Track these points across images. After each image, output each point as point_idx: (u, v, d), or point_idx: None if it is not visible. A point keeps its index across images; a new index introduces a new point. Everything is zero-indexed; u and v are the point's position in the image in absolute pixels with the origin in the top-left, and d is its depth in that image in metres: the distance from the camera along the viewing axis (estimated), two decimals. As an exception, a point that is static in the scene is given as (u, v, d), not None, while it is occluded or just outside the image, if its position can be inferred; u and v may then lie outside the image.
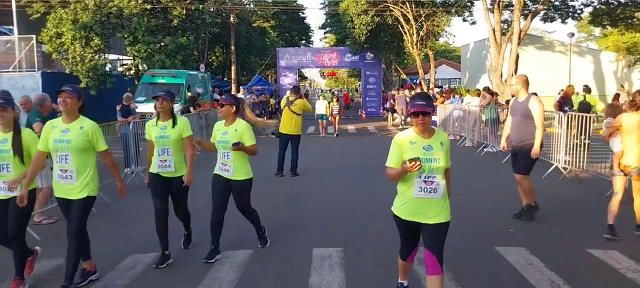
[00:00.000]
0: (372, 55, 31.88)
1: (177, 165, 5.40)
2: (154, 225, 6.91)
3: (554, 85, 24.75)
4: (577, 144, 9.87)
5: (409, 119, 22.89)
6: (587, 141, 9.98)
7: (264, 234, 6.07)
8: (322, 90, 47.13)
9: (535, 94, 6.81)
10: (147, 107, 17.50)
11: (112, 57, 27.90)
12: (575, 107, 13.45)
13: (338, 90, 55.65)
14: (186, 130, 5.42)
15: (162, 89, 5.55)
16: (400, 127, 22.71)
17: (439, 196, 3.81)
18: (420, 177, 3.71)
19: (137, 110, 13.86)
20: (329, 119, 20.36)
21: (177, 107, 17.57)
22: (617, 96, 14.90)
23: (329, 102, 20.76)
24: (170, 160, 5.34)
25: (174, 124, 5.39)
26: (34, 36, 23.13)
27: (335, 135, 19.52)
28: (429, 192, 3.75)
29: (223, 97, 5.58)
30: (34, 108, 7.07)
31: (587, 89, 14.84)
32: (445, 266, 5.11)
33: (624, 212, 7.38)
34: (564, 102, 13.46)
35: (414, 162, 3.47)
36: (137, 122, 10.87)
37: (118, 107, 12.93)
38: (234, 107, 5.45)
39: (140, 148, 10.78)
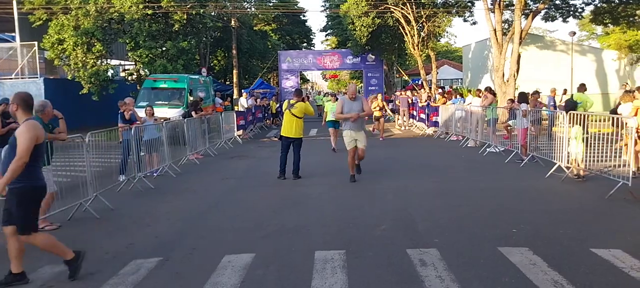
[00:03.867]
0: (373, 56, 31.94)
1: None
2: (156, 230, 6.94)
3: (556, 84, 24.70)
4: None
5: (412, 121, 22.89)
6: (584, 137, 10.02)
7: None
8: (319, 93, 46.63)
9: (30, 120, 5.06)
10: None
11: (114, 62, 28.00)
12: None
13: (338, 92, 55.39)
14: None
15: None
16: (403, 128, 22.66)
17: None
18: None
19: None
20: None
21: (179, 112, 17.71)
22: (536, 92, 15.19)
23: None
24: None
25: None
26: (36, 43, 23.24)
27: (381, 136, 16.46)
28: None
29: None
30: (36, 114, 7.07)
31: (581, 87, 14.70)
32: (448, 267, 5.12)
33: (626, 212, 7.37)
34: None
35: None
36: (138, 126, 10.81)
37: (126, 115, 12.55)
38: None
39: (142, 153, 10.78)
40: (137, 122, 10.94)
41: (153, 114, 11.96)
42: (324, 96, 35.96)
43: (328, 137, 15.81)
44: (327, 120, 15.41)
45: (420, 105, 21.59)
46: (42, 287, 4.97)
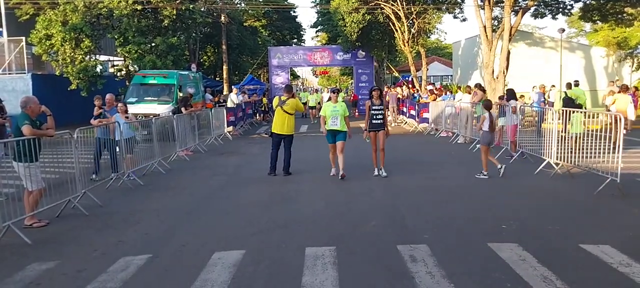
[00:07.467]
0: (363, 53, 31.92)
1: None
2: (145, 227, 6.89)
3: (545, 81, 24.87)
4: (563, 137, 9.98)
5: (401, 117, 22.94)
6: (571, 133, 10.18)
7: None
8: (305, 89, 45.92)
9: None
10: (138, 108, 17.37)
11: (102, 58, 27.71)
12: (559, 103, 13.61)
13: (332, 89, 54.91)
14: None
15: None
16: (391, 124, 22.67)
17: None
18: None
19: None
20: (364, 136, 10.88)
21: (168, 108, 17.59)
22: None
23: (343, 102, 11.08)
24: None
25: None
26: (24, 38, 22.98)
27: (381, 172, 10.27)
28: None
29: None
30: (22, 111, 7.00)
31: (569, 85, 14.90)
32: (438, 263, 5.14)
33: (614, 207, 7.43)
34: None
35: None
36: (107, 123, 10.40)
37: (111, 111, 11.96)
38: None
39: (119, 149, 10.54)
40: (103, 121, 10.35)
41: (126, 111, 11.08)
42: (309, 92, 35.24)
43: (320, 134, 11.39)
44: (328, 129, 10.14)
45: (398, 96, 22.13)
46: (30, 285, 4.92)
